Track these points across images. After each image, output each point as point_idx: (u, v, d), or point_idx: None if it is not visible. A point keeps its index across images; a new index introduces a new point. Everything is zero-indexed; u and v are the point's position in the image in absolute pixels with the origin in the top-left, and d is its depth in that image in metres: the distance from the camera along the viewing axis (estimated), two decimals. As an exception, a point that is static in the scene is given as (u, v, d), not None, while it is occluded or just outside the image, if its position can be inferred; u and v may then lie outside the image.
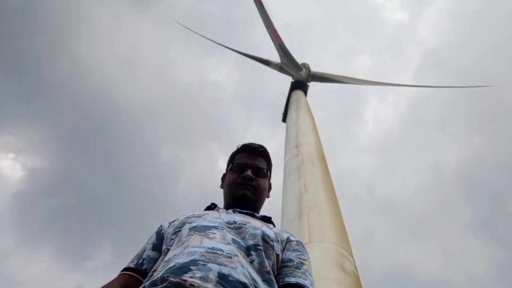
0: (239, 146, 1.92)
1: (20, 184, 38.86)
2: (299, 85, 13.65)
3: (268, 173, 1.87)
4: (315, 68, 14.04)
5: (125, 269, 1.50)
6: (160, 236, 1.57)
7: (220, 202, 1.83)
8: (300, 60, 13.79)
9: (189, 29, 19.91)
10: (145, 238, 1.65)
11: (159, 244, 1.53)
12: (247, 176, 1.75)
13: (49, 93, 34.74)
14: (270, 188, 1.91)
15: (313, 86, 14.22)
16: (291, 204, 5.71)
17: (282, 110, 13.75)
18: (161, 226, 1.64)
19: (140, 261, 1.50)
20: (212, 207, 1.75)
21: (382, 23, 48.74)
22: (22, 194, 37.64)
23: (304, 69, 13.51)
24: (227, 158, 1.98)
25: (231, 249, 1.32)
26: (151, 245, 1.56)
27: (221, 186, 1.89)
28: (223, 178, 1.90)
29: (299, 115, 9.99)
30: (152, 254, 1.52)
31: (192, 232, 1.39)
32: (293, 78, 13.98)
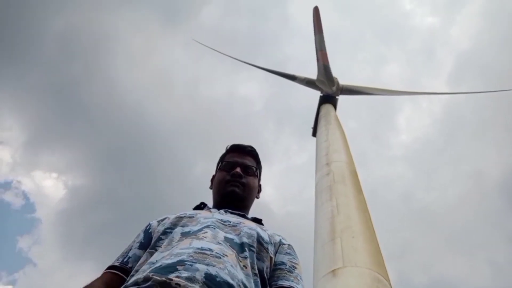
0: (228, 147, 1.92)
1: (63, 202, 40.60)
2: (328, 99, 13.54)
3: (258, 172, 1.86)
4: (344, 78, 14.03)
5: (110, 267, 1.47)
6: (148, 235, 1.55)
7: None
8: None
9: (207, 46, 20.20)
10: None
11: (146, 243, 1.51)
12: (236, 173, 1.74)
13: (87, 115, 36.29)
14: (260, 190, 1.89)
15: (343, 96, 14.14)
16: (323, 226, 5.64)
17: (312, 122, 13.71)
18: (149, 224, 1.61)
19: (125, 259, 1.48)
20: (201, 206, 1.73)
21: (413, 29, 47.75)
22: (65, 212, 39.26)
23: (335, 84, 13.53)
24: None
25: (221, 248, 1.29)
26: (138, 244, 1.53)
27: (211, 187, 1.87)
28: (212, 180, 1.89)
29: (328, 130, 9.88)
30: (139, 252, 1.49)
31: (183, 238, 1.37)
32: (321, 92, 13.91)
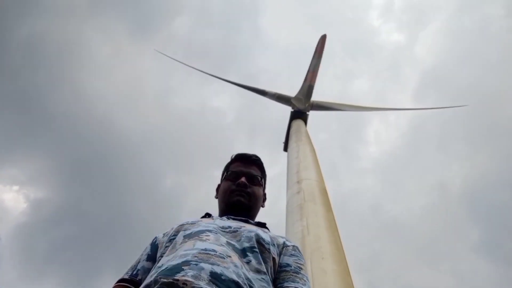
0: (233, 156, 1.93)
1: (24, 216, 38.84)
2: (299, 115, 13.75)
3: (263, 181, 1.88)
4: (314, 93, 14.30)
5: (120, 280, 1.50)
6: (154, 247, 1.57)
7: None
8: (296, 86, 14.09)
9: (171, 57, 20.19)
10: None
11: (154, 255, 1.53)
12: (241, 183, 1.75)
13: (52, 125, 35.10)
14: (265, 198, 1.91)
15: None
16: (294, 247, 5.67)
17: (283, 135, 13.81)
18: (155, 237, 1.64)
19: (134, 272, 1.50)
20: (206, 216, 1.74)
21: (379, 46, 49.47)
22: (25, 225, 37.53)
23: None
24: None
25: (224, 250, 1.31)
26: (146, 256, 1.56)
27: (216, 197, 1.89)
28: (217, 189, 1.91)
29: (299, 147, 10.02)
30: (147, 264, 1.51)
31: (186, 239, 1.39)
32: (293, 108, 14.10)
